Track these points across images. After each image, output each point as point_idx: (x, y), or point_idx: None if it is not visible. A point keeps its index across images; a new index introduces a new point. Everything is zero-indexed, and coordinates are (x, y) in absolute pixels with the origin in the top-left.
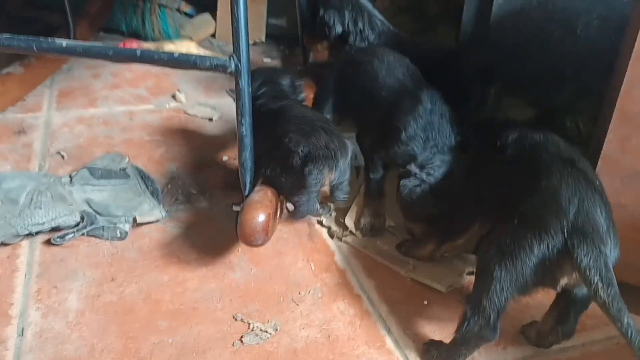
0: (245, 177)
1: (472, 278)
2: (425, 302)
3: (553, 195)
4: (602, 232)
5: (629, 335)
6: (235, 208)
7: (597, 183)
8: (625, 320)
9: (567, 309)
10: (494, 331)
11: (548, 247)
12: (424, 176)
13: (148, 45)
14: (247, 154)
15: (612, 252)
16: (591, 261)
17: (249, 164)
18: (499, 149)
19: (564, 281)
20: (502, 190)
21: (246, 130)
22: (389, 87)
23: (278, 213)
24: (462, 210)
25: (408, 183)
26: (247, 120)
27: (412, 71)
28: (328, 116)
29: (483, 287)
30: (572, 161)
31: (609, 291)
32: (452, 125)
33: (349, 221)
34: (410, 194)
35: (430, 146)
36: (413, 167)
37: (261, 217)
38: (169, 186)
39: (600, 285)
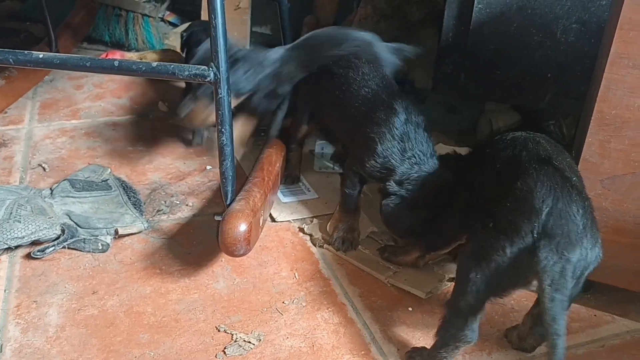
0: (227, 187)
1: (452, 284)
2: (410, 309)
3: (527, 196)
4: (577, 232)
5: (554, 348)
6: (217, 218)
7: (575, 179)
8: (556, 332)
9: None
10: (472, 332)
11: (519, 249)
12: (404, 193)
13: (131, 56)
14: (228, 163)
15: (589, 252)
16: (548, 266)
17: (230, 173)
18: (485, 157)
19: (535, 282)
20: (485, 197)
21: (227, 139)
22: (363, 98)
23: (260, 222)
24: (448, 222)
25: (390, 203)
26: (227, 129)
27: (387, 82)
28: (306, 126)
29: (459, 289)
30: (549, 159)
31: (552, 297)
32: (429, 135)
33: (330, 227)
34: (393, 212)
35: (407, 157)
36: (392, 185)
37: (242, 227)
38: (152, 197)
39: (547, 290)
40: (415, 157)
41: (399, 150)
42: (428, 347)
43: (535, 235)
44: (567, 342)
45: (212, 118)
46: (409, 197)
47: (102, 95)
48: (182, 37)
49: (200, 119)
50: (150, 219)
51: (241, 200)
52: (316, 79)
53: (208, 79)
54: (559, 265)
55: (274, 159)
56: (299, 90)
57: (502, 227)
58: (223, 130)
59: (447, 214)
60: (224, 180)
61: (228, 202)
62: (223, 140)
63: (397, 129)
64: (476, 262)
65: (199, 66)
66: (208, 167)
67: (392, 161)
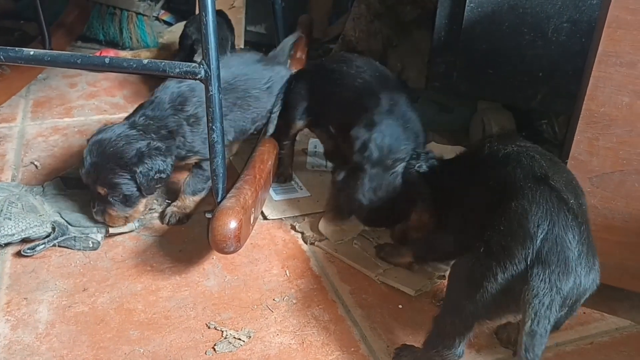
0: (218, 184)
1: (443, 282)
2: (400, 306)
3: (521, 220)
4: (572, 259)
5: None
6: (208, 215)
7: (572, 201)
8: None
9: None
10: (459, 353)
11: (512, 275)
12: (366, 177)
13: (125, 54)
14: (219, 160)
15: (582, 280)
16: (538, 297)
17: (220, 170)
18: (475, 169)
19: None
20: (478, 217)
21: (217, 136)
22: (354, 91)
23: (252, 220)
24: (441, 237)
25: (345, 176)
26: (218, 126)
27: (381, 73)
28: (300, 122)
29: (449, 313)
30: (545, 177)
31: (532, 331)
32: (414, 129)
33: (322, 226)
34: (345, 183)
35: (387, 151)
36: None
37: (232, 224)
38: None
39: (528, 324)
40: (392, 151)
41: (377, 144)
42: (417, 344)
43: (528, 262)
44: (556, 339)
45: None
46: (371, 179)
47: (95, 94)
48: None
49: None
50: (142, 217)
51: (232, 197)
52: (310, 75)
53: (199, 76)
54: (548, 297)
55: (265, 157)
56: (292, 87)
57: (495, 253)
58: (214, 127)
59: (441, 229)
60: (214, 178)
61: (219, 200)
62: (214, 138)
63: (379, 122)
64: (467, 288)
65: (189, 63)
66: None
67: (372, 155)
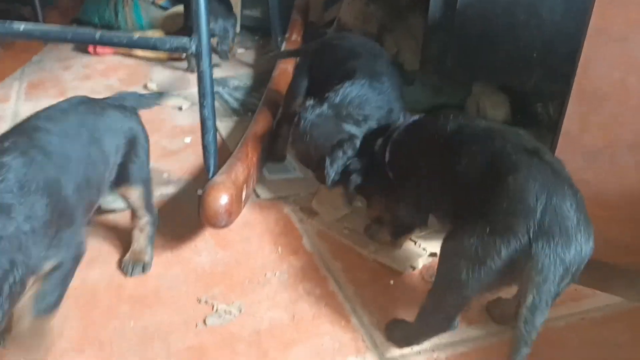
0: (209, 160)
1: (434, 259)
2: (392, 282)
3: (521, 193)
4: (572, 227)
5: (515, 352)
6: (200, 192)
7: (565, 172)
8: (524, 339)
9: None
10: (453, 324)
11: (515, 250)
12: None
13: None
14: (210, 136)
15: (582, 247)
16: (543, 269)
17: (212, 147)
18: (445, 140)
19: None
20: (460, 185)
21: (209, 112)
22: (347, 65)
23: (243, 197)
24: (406, 209)
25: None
26: (209, 102)
27: (373, 47)
28: (300, 99)
29: (445, 286)
30: (537, 150)
31: (534, 306)
32: (388, 102)
33: (315, 203)
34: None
35: (348, 102)
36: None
37: (224, 199)
38: None
39: (530, 299)
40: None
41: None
42: (408, 319)
43: (531, 236)
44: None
45: None
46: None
47: (90, 76)
48: None
49: None
50: None
51: (223, 173)
52: (312, 52)
53: (190, 51)
54: (552, 270)
55: (259, 135)
56: (296, 65)
57: (497, 228)
58: (205, 103)
59: (406, 201)
60: (206, 154)
61: (210, 175)
62: (205, 114)
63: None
64: (468, 264)
65: (180, 38)
66: (186, 140)
67: (347, 126)
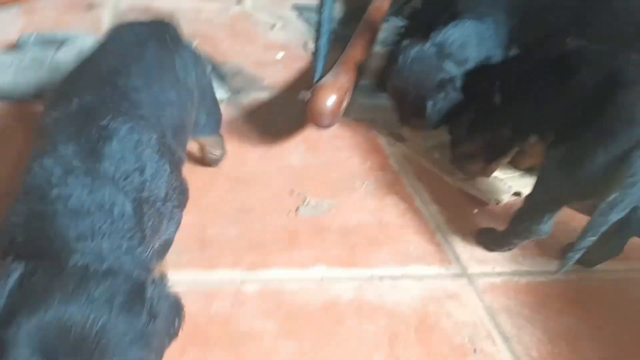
0: (318, 64)
1: (518, 198)
2: (475, 211)
3: (629, 105)
4: None
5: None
6: (302, 95)
7: None
8: (582, 245)
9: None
10: (547, 226)
11: (614, 156)
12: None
13: None
14: (324, 40)
15: None
16: (634, 176)
17: (323, 51)
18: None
19: None
20: (571, 99)
21: (325, 17)
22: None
23: (344, 103)
24: (505, 129)
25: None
26: (327, 6)
27: None
28: None
29: (543, 189)
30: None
31: (616, 201)
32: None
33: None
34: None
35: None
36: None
37: (331, 99)
38: (235, 77)
39: (605, 205)
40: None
41: None
42: (497, 228)
43: (632, 144)
44: (607, 266)
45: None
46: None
47: None
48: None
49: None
50: (233, 94)
51: (330, 77)
52: None
53: None
54: None
55: (357, 59)
56: None
57: (599, 134)
58: (322, 10)
59: (504, 120)
60: (316, 57)
61: (317, 78)
62: (322, 18)
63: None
64: (566, 168)
65: None
66: (279, 55)
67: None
